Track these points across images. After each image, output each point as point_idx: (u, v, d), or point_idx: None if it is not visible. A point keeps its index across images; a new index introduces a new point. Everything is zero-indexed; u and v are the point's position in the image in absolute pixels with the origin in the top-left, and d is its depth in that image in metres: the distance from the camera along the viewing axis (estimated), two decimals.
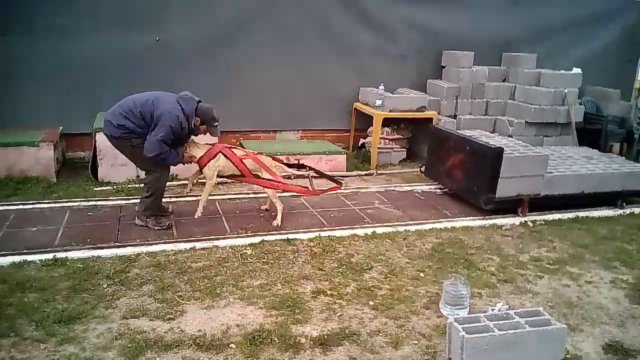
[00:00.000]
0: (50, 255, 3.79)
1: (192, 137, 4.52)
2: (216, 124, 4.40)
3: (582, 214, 5.32)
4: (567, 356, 2.95)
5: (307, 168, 5.08)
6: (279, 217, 4.66)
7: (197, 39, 6.55)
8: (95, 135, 5.48)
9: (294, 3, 6.88)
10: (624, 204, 5.58)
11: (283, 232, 4.48)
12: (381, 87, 6.89)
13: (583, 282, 3.93)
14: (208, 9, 6.53)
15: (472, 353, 2.68)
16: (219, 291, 3.47)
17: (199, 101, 4.36)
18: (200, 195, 4.70)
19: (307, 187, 4.88)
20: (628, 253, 4.48)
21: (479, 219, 5.07)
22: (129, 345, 2.84)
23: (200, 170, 4.58)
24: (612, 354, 3.06)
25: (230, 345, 2.91)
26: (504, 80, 7.81)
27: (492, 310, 3.12)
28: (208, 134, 4.50)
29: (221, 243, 4.20)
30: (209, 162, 4.48)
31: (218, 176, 4.59)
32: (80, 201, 5.00)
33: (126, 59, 6.31)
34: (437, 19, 7.60)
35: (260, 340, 2.96)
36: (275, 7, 6.80)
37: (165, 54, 6.45)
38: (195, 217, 4.57)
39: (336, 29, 7.14)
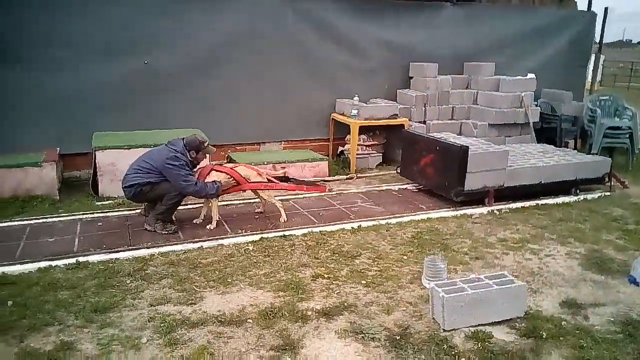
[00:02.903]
0: (72, 260, 4.19)
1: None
2: (206, 143, 5.00)
3: (542, 201, 6.00)
4: (529, 312, 3.54)
5: (292, 180, 5.63)
6: (282, 213, 5.25)
7: (183, 63, 7.00)
8: (95, 153, 5.89)
9: (272, 28, 7.43)
10: (578, 191, 6.29)
11: (279, 230, 4.99)
12: (356, 97, 7.50)
13: (543, 255, 4.56)
14: (192, 35, 7.02)
15: (450, 310, 3.23)
16: (230, 280, 3.96)
17: (183, 139, 4.97)
18: (201, 206, 5.23)
19: (295, 184, 5.46)
20: (581, 231, 5.15)
21: (451, 210, 5.68)
22: (161, 324, 3.30)
23: None
24: (567, 308, 3.67)
25: (247, 320, 3.40)
26: (466, 88, 8.53)
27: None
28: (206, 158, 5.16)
29: (225, 242, 4.68)
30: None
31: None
32: (88, 214, 5.39)
33: (116, 84, 6.69)
34: (404, 36, 8.29)
35: (273, 315, 3.46)
36: (255, 32, 7.34)
37: (154, 77, 6.86)
38: (209, 228, 4.99)
39: (312, 49, 7.72)
